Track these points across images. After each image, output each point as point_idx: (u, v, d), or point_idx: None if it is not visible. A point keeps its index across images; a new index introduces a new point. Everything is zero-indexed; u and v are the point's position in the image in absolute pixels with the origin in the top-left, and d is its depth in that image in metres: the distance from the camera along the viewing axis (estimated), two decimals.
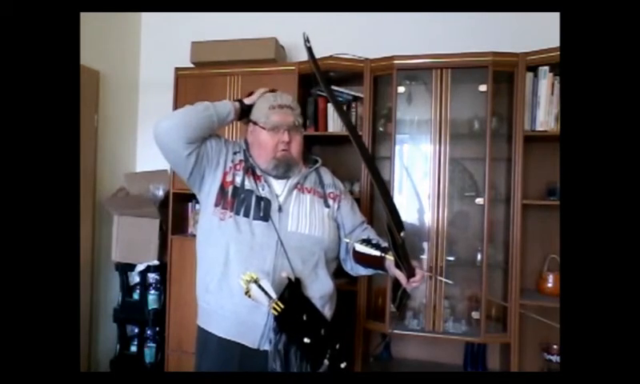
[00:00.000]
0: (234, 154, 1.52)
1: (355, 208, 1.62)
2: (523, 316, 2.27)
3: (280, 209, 1.44)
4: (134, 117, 3.24)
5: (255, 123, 1.50)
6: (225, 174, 1.48)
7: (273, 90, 1.56)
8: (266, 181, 1.48)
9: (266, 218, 1.42)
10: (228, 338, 1.42)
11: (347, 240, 1.53)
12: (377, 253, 1.43)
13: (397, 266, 1.33)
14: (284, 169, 1.48)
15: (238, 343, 1.41)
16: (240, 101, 1.52)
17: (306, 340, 1.34)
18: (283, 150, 1.46)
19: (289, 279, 1.35)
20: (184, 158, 1.42)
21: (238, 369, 1.41)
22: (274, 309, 1.30)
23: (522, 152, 2.23)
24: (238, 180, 1.47)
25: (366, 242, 1.46)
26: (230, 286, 1.38)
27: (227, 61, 2.64)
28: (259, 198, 1.44)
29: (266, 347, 1.38)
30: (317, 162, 1.60)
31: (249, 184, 1.46)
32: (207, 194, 1.49)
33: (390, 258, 1.38)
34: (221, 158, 1.49)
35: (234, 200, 1.44)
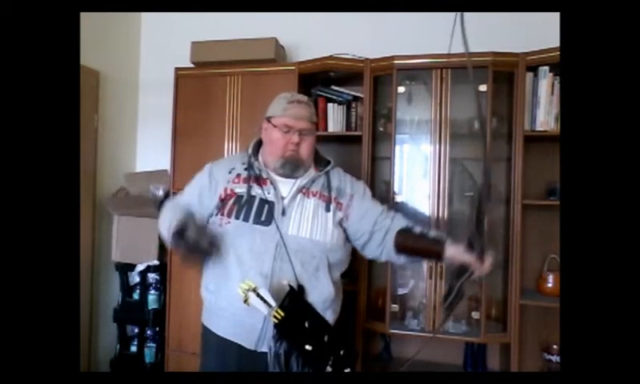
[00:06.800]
0: (229, 172, 1.52)
1: (369, 212, 1.52)
2: (523, 316, 2.27)
3: (283, 212, 1.44)
4: (134, 117, 3.24)
5: (269, 120, 1.51)
6: (224, 192, 1.49)
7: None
8: (272, 183, 1.48)
9: (267, 222, 1.43)
10: (227, 337, 1.45)
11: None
12: (432, 238, 1.40)
13: (470, 245, 1.30)
14: (291, 169, 1.49)
15: (236, 343, 1.43)
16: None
17: (308, 347, 1.32)
18: (292, 151, 1.47)
19: (290, 286, 1.35)
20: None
21: (236, 368, 1.43)
22: (274, 317, 1.30)
23: (521, 152, 2.23)
24: (240, 190, 1.48)
25: (407, 231, 1.45)
26: (229, 289, 1.39)
27: (227, 61, 2.64)
28: (263, 202, 1.44)
29: (264, 349, 1.39)
30: (328, 164, 1.58)
31: (254, 190, 1.47)
32: (207, 207, 1.53)
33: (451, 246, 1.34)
34: (218, 188, 1.50)
35: (234, 207, 1.45)
